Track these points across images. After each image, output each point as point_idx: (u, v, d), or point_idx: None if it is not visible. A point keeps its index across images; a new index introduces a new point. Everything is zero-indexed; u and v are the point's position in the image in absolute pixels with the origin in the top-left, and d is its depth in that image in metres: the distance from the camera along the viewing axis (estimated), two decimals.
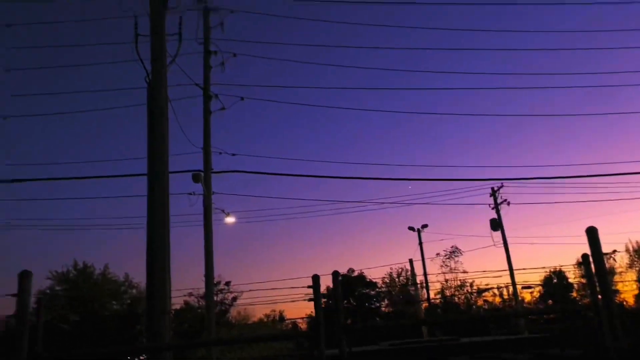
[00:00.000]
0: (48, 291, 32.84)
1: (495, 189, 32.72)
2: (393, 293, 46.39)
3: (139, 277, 36.05)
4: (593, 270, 6.19)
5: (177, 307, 35.00)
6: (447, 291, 42.93)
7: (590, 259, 6.18)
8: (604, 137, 61.18)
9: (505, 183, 31.73)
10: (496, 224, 32.34)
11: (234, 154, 17.23)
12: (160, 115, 8.27)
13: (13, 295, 6.38)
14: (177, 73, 11.18)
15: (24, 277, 6.38)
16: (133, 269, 42.50)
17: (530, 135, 68.50)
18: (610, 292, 6.52)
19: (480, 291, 42.08)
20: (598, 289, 6.12)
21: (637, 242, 43.80)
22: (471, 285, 42.23)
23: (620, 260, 42.81)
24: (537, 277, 40.33)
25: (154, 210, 7.82)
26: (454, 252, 41.49)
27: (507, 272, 31.17)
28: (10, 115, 16.35)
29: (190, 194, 16.22)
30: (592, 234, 6.19)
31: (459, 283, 42.21)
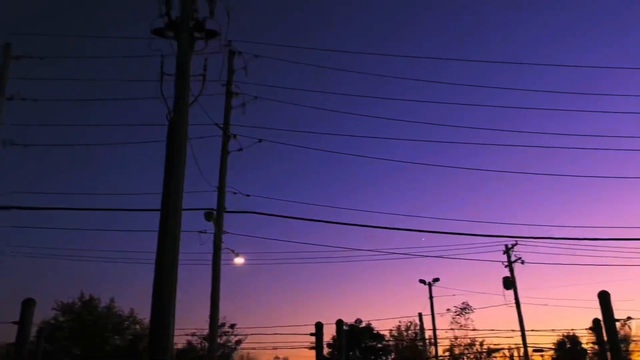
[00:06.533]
0: (52, 321, 32.61)
1: (510, 246, 32.33)
2: (400, 347, 45.24)
3: (144, 312, 35.75)
4: (604, 336, 6.01)
5: (179, 346, 34.46)
6: (456, 349, 41.83)
7: (602, 325, 6.02)
8: (628, 200, 60.34)
9: (520, 241, 31.27)
10: (509, 283, 31.79)
11: (248, 195, 17.28)
12: (179, 152, 8.40)
13: (14, 322, 6.37)
14: (198, 113, 11.42)
15: (27, 306, 6.38)
16: (138, 303, 42.09)
17: (550, 194, 68.01)
18: (622, 359, 6.31)
19: (490, 351, 40.85)
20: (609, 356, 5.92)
21: None
22: (481, 344, 41.16)
23: (636, 329, 41.34)
24: (549, 340, 39.12)
25: (164, 248, 7.81)
26: (465, 308, 40.72)
27: (519, 333, 30.36)
28: (32, 144, 16.76)
29: (202, 232, 16.24)
30: (604, 298, 6.05)
31: (468, 341, 41.19)
